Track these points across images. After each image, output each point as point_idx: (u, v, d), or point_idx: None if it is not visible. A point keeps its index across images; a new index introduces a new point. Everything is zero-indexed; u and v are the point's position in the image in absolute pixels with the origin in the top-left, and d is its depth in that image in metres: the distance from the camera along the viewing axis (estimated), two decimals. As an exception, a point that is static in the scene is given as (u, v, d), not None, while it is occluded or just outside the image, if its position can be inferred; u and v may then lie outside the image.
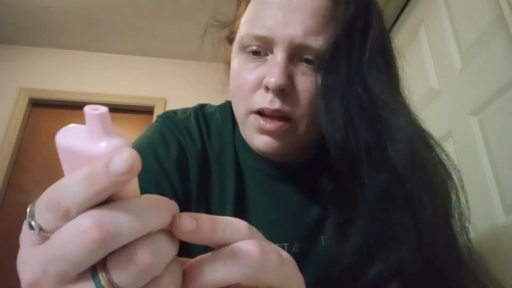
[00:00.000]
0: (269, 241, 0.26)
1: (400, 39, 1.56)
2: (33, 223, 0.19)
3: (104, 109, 0.19)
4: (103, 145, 0.19)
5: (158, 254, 0.19)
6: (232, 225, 0.24)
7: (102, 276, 0.19)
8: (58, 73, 2.64)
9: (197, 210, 0.49)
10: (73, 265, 0.18)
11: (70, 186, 0.18)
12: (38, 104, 2.60)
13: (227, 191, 0.51)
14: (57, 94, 2.57)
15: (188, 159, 0.50)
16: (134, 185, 0.21)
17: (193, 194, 0.50)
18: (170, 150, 0.49)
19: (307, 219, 0.53)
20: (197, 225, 0.22)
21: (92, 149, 0.19)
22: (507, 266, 0.81)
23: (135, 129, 2.54)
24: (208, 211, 0.50)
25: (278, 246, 0.50)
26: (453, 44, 1.17)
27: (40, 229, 0.19)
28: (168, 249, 0.21)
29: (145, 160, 0.46)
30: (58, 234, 0.19)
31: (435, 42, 1.30)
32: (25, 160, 2.44)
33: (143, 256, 0.19)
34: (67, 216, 0.18)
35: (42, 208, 0.19)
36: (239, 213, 0.51)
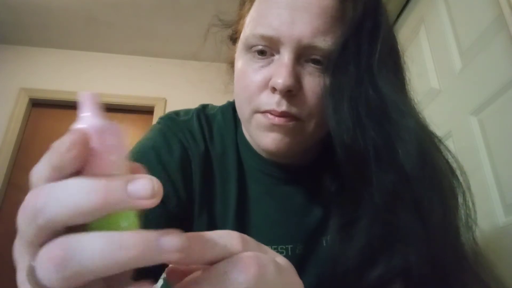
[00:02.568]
0: (265, 248, 0.25)
1: (400, 39, 1.56)
2: None
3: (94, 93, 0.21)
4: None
5: None
6: (221, 240, 0.22)
7: None
8: (58, 73, 2.64)
9: (200, 213, 0.49)
10: None
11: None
12: (38, 104, 2.60)
13: (229, 193, 0.51)
14: (57, 94, 2.57)
15: (191, 162, 0.50)
16: None
17: (196, 196, 0.49)
18: (173, 153, 0.49)
19: (309, 220, 0.52)
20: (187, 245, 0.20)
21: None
22: (507, 266, 0.81)
23: (135, 129, 2.54)
24: (211, 213, 0.50)
25: (282, 248, 0.50)
26: (453, 44, 1.17)
27: None
28: None
29: (148, 163, 0.45)
30: None
31: (435, 42, 1.30)
32: (25, 160, 2.43)
33: None
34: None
35: None
36: (241, 214, 0.50)
